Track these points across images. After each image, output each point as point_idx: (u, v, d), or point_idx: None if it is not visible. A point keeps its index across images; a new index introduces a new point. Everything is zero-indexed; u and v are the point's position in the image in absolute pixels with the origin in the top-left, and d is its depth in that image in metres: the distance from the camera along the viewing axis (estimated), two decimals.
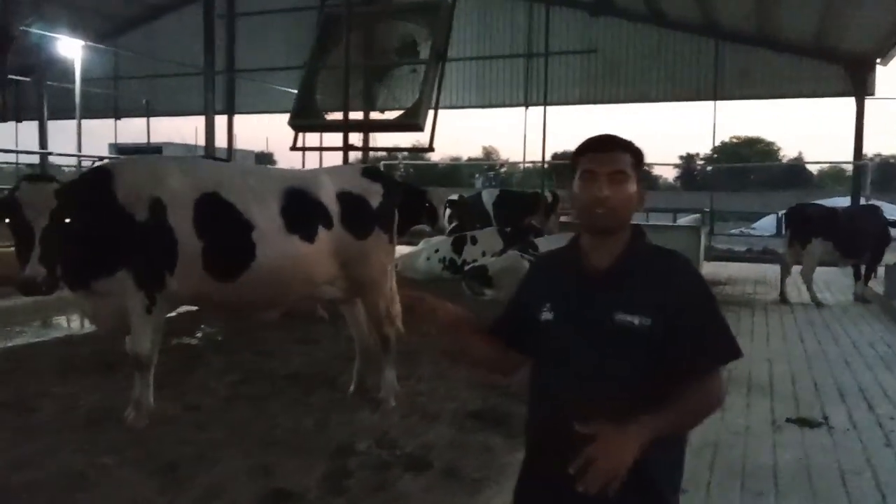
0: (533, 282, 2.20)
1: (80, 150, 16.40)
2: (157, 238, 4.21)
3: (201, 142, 22.93)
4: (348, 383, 5.38)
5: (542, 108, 20.87)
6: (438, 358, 5.68)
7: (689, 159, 53.69)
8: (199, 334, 7.29)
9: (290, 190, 4.65)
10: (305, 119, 9.91)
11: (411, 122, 9.09)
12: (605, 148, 2.03)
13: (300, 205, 4.63)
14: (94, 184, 4.23)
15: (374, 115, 10.17)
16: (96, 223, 4.09)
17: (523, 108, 21.97)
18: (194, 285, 4.37)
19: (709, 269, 16.33)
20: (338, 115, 9.32)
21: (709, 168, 26.35)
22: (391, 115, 9.78)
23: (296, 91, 10.49)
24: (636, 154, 2.05)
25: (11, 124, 25.45)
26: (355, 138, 10.04)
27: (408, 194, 9.37)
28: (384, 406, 4.99)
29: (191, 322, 7.40)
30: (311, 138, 10.56)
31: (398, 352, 5.56)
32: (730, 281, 14.66)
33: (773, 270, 14.93)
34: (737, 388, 6.62)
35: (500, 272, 10.20)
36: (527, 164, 27.94)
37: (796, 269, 12.16)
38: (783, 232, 14.48)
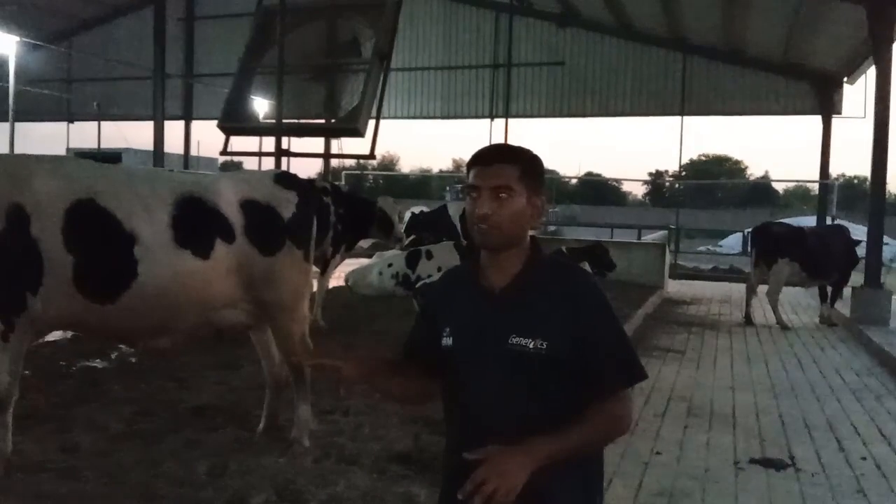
0: (436, 301, 2.12)
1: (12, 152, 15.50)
2: (17, 252, 3.54)
3: (169, 147, 22.22)
4: (259, 420, 4.72)
5: (505, 120, 20.41)
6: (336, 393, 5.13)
7: (657, 175, 53.98)
8: (108, 356, 6.55)
9: (184, 198, 3.99)
10: (236, 121, 9.24)
11: (350, 126, 8.49)
12: (487, 161, 1.93)
13: (194, 215, 3.98)
14: None
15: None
16: None
17: (489, 120, 21.49)
18: (64, 308, 3.69)
19: (674, 286, 15.99)
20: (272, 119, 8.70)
21: (677, 185, 26.12)
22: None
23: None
24: (527, 165, 1.93)
25: None
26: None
27: (354, 204, 8.77)
28: (295, 448, 4.35)
29: (103, 342, 6.66)
30: (250, 143, 9.97)
31: (323, 381, 4.94)
32: (694, 300, 14.31)
33: (738, 290, 14.59)
34: (698, 421, 6.13)
35: None
36: None
37: (762, 289, 11.82)
38: (749, 250, 14.20)
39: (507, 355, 1.86)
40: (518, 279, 1.92)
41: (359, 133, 8.52)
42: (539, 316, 1.87)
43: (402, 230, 9.68)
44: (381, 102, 8.68)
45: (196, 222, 3.97)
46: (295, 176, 4.59)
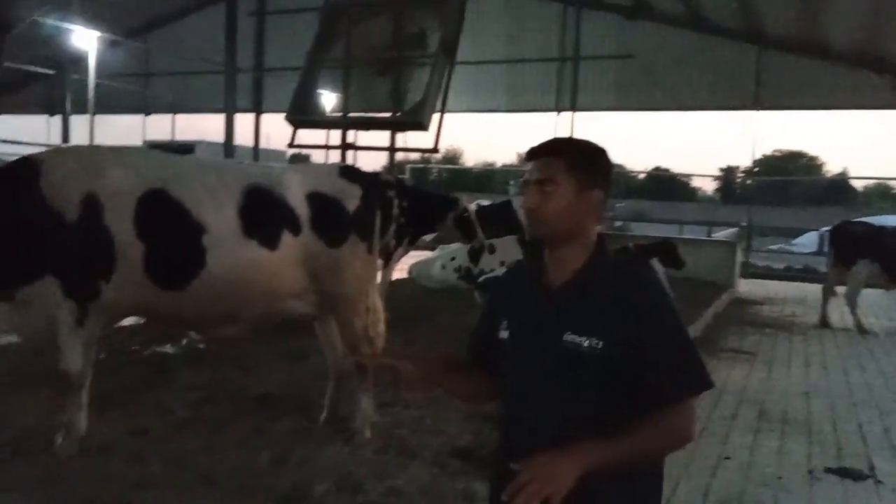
0: (498, 294, 2.10)
1: (91, 143, 16.09)
2: (90, 240, 3.64)
3: (239, 140, 22.75)
4: (322, 410, 4.75)
5: (577, 113, 20.10)
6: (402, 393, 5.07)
7: (728, 171, 52.42)
8: (178, 342, 6.71)
9: (252, 189, 4.04)
10: (304, 114, 9.31)
11: (414, 120, 8.44)
12: (535, 154, 1.92)
13: (262, 206, 4.02)
14: (16, 176, 3.68)
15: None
16: (15, 221, 3.53)
17: (554, 114, 21.22)
18: (135, 295, 3.79)
19: (745, 286, 15.48)
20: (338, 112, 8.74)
21: (748, 181, 25.31)
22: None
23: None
24: (576, 157, 1.88)
25: (42, 117, 25.54)
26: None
27: (418, 198, 8.73)
28: (356, 439, 4.36)
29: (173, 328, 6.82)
30: (317, 136, 10.04)
31: (385, 373, 4.94)
32: (766, 300, 13.82)
33: (813, 290, 14.01)
34: (770, 426, 5.89)
35: None
36: None
37: (840, 290, 11.32)
38: (826, 250, 13.63)
39: (561, 352, 1.81)
40: (578, 276, 1.87)
41: (423, 127, 8.48)
42: (596, 315, 1.81)
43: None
44: (446, 96, 8.61)
45: (263, 213, 4.01)
46: (359, 169, 4.60)
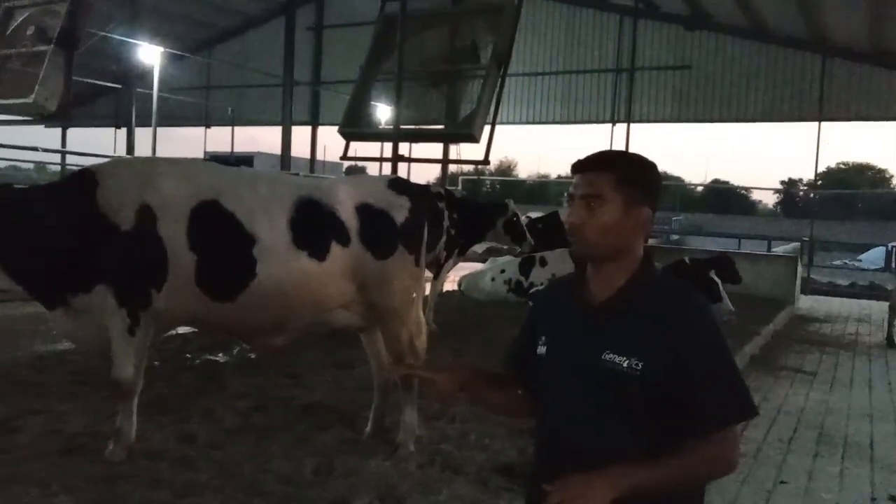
0: (539, 308, 2.05)
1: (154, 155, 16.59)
2: (143, 250, 3.73)
3: (295, 152, 23.22)
4: (367, 422, 4.76)
5: (633, 125, 19.86)
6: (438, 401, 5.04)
7: (790, 184, 50.96)
8: (230, 351, 6.83)
9: (302, 200, 4.08)
10: (356, 127, 9.41)
11: (465, 132, 8.43)
12: (580, 168, 1.86)
13: (312, 217, 4.06)
14: (74, 188, 3.80)
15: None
16: (72, 231, 3.64)
17: (610, 125, 21.00)
18: (186, 304, 3.86)
19: (806, 302, 15.02)
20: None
21: (812, 194, 24.56)
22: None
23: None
24: (626, 172, 1.81)
25: (110, 129, 26.47)
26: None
27: (468, 209, 8.73)
28: (400, 452, 4.34)
29: (225, 337, 6.95)
30: (371, 148, 10.12)
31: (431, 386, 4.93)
32: (829, 318, 13.37)
33: (879, 308, 13.51)
34: (829, 450, 5.67)
35: None
36: None
37: None
38: (893, 266, 13.14)
39: (599, 372, 1.76)
40: (620, 293, 1.82)
41: (474, 139, 8.47)
42: (638, 335, 1.75)
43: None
44: (498, 107, 8.59)
45: (313, 225, 4.05)
46: (408, 181, 4.61)
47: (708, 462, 1.71)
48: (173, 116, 24.21)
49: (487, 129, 8.52)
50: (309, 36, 23.53)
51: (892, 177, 57.09)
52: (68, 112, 9.19)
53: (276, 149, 23.14)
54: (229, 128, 25.86)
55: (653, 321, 1.75)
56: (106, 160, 4.98)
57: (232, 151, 25.53)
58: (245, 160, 26.23)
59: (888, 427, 6.43)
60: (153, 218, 3.74)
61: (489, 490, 3.97)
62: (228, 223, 3.87)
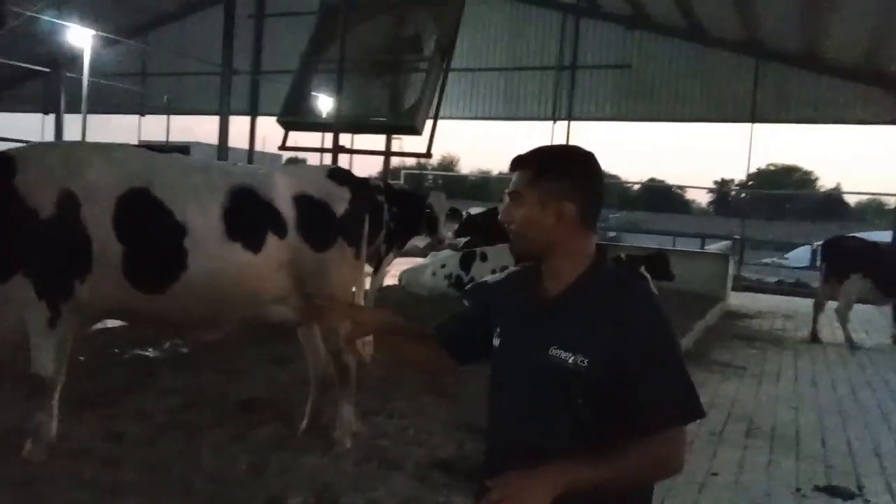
0: (494, 299, 2.03)
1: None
2: (65, 238, 3.54)
3: (234, 143, 22.63)
4: (303, 417, 4.66)
5: (574, 122, 20.09)
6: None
7: (723, 184, 52.45)
8: (161, 346, 6.61)
9: (237, 189, 3.95)
10: (296, 117, 9.24)
11: (408, 124, 8.36)
12: (511, 166, 1.88)
13: (247, 207, 3.93)
14: None
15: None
16: None
17: (551, 123, 21.21)
18: (113, 297, 3.69)
19: (737, 299, 15.44)
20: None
21: (743, 194, 25.33)
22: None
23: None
24: (542, 168, 1.81)
25: (38, 115, 25.43)
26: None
27: (407, 202, 8.66)
28: (337, 449, 4.26)
29: (157, 331, 6.71)
30: (311, 139, 9.95)
31: (370, 382, 4.86)
32: (758, 314, 13.77)
33: (805, 305, 13.96)
34: (758, 442, 5.82)
35: None
36: None
37: (831, 305, 11.29)
38: (818, 265, 13.60)
39: (545, 367, 1.75)
40: (570, 289, 1.81)
41: (416, 131, 8.40)
42: (585, 330, 1.73)
43: (453, 230, 9.47)
44: (441, 100, 8.54)
45: (248, 215, 3.92)
46: (349, 172, 4.52)
47: (653, 462, 1.69)
48: (106, 103, 23.38)
49: (430, 122, 8.46)
50: (250, 24, 23.04)
51: (817, 179, 59.38)
52: None
53: (214, 139, 22.58)
54: (165, 117, 25.13)
55: (599, 317, 1.73)
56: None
57: (167, 140, 24.80)
58: (180, 150, 25.50)
59: (812, 419, 6.65)
60: (76, 205, 3.56)
61: (427, 486, 3.93)
62: (158, 212, 3.71)
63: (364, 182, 4.67)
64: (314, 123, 9.41)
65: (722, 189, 49.52)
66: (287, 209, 4.06)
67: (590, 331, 1.72)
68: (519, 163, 1.86)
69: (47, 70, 19.01)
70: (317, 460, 4.11)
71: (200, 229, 3.78)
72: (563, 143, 18.68)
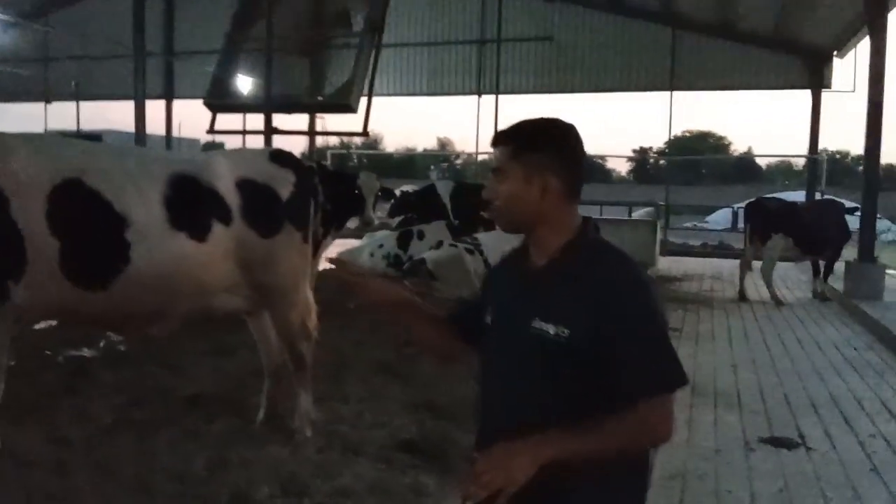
0: (489, 280, 2.09)
1: None
2: None
3: (151, 129, 21.76)
4: (258, 409, 4.54)
5: (497, 96, 20.08)
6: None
7: (642, 152, 53.82)
8: (96, 344, 6.32)
9: (177, 176, 3.77)
10: (223, 98, 8.94)
11: (341, 102, 8.20)
12: (492, 143, 1.89)
13: (189, 195, 3.76)
14: None
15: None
16: None
17: (476, 97, 21.20)
18: (52, 296, 3.47)
19: (664, 263, 15.91)
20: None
21: (661, 161, 26.01)
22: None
23: None
24: (522, 143, 1.82)
25: None
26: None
27: (341, 183, 8.51)
28: (297, 438, 4.18)
29: (89, 329, 6.41)
30: (235, 121, 9.67)
31: (320, 367, 4.76)
32: (686, 276, 14.23)
33: (729, 266, 14.55)
34: (703, 400, 6.02)
35: (438, 265, 9.57)
36: (482, 156, 27.18)
37: (756, 265, 11.76)
38: (739, 226, 14.15)
39: (528, 339, 1.75)
40: (552, 261, 1.81)
41: (351, 109, 8.24)
42: (565, 301, 1.73)
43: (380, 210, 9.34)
44: (374, 77, 8.39)
45: (191, 203, 3.75)
46: (291, 154, 4.37)
47: (637, 430, 1.69)
48: (8, 91, 22.10)
49: (364, 99, 8.30)
50: (160, 3, 22.08)
51: (730, 143, 61.64)
52: None
53: (127, 126, 21.63)
54: (72, 103, 23.90)
55: (580, 287, 1.73)
56: None
57: (78, 128, 23.62)
58: (94, 137, 24.35)
59: (750, 375, 6.92)
60: (4, 200, 3.32)
61: (393, 468, 3.91)
62: (95, 203, 3.51)
63: (308, 164, 4.53)
64: (244, 105, 9.09)
65: (641, 157, 50.96)
66: (231, 195, 3.91)
67: (572, 301, 1.72)
68: (500, 138, 1.85)
69: None
70: (278, 451, 4.02)
71: (141, 220, 3.60)
72: (493, 117, 18.72)
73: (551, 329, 1.72)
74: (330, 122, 17.50)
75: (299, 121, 13.26)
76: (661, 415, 1.70)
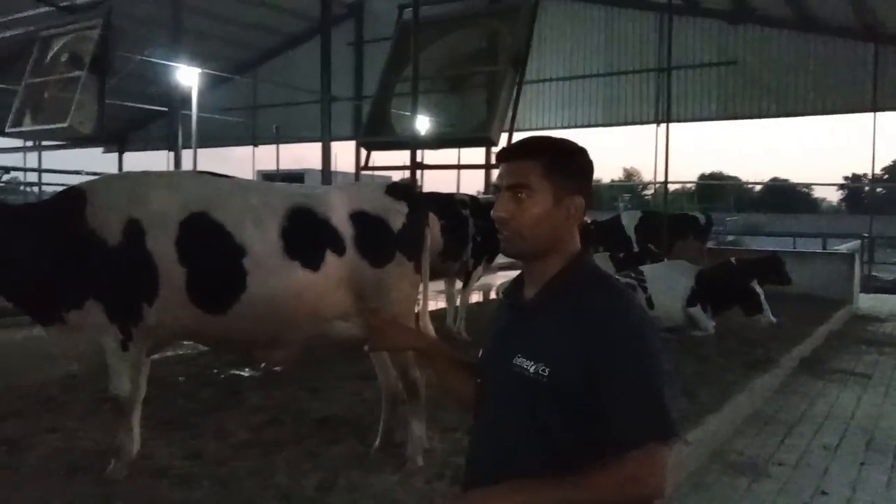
0: (496, 313, 1.92)
1: None
2: (132, 264, 3.68)
3: (341, 167, 23.36)
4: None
5: (677, 124, 19.30)
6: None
7: (854, 179, 49.05)
8: (256, 365, 6.79)
9: (295, 209, 3.99)
10: (376, 136, 9.37)
11: (482, 136, 8.28)
12: (508, 156, 1.70)
13: (305, 226, 3.96)
14: (63, 205, 3.80)
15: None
16: (60, 248, 3.63)
17: (654, 126, 20.52)
18: (179, 318, 3.80)
19: (867, 301, 14.30)
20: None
21: (878, 189, 23.52)
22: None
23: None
24: (555, 159, 1.65)
25: (163, 152, 27.20)
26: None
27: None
28: (409, 467, 4.19)
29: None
30: (394, 157, 10.04)
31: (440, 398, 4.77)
32: (890, 317, 12.68)
33: None
34: (878, 457, 5.31)
35: None
36: (671, 185, 26.16)
37: None
38: None
39: (509, 378, 1.62)
40: (542, 292, 1.66)
41: (492, 142, 8.31)
42: (550, 338, 1.58)
43: None
44: (516, 109, 8.42)
45: (306, 234, 3.95)
46: (407, 186, 4.50)
47: (623, 484, 1.50)
48: (222, 137, 24.70)
49: (506, 135, 8.33)
50: (350, 51, 23.76)
51: None
52: (103, 134, 9.39)
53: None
54: (275, 146, 26.24)
55: (568, 323, 1.58)
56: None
57: (277, 168, 25.88)
58: (296, 178, 26.49)
59: None
60: (141, 232, 3.70)
61: None
62: (218, 234, 3.80)
63: (423, 195, 4.61)
64: (392, 142, 9.49)
65: (852, 185, 46.37)
66: (344, 226, 4.06)
67: (555, 338, 1.58)
68: (523, 152, 1.69)
69: (164, 109, 20.30)
70: (387, 478, 4.05)
71: (258, 250, 3.84)
72: (680, 146, 17.95)
73: (531, 367, 1.58)
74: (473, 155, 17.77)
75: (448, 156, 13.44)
76: (651, 467, 1.51)
